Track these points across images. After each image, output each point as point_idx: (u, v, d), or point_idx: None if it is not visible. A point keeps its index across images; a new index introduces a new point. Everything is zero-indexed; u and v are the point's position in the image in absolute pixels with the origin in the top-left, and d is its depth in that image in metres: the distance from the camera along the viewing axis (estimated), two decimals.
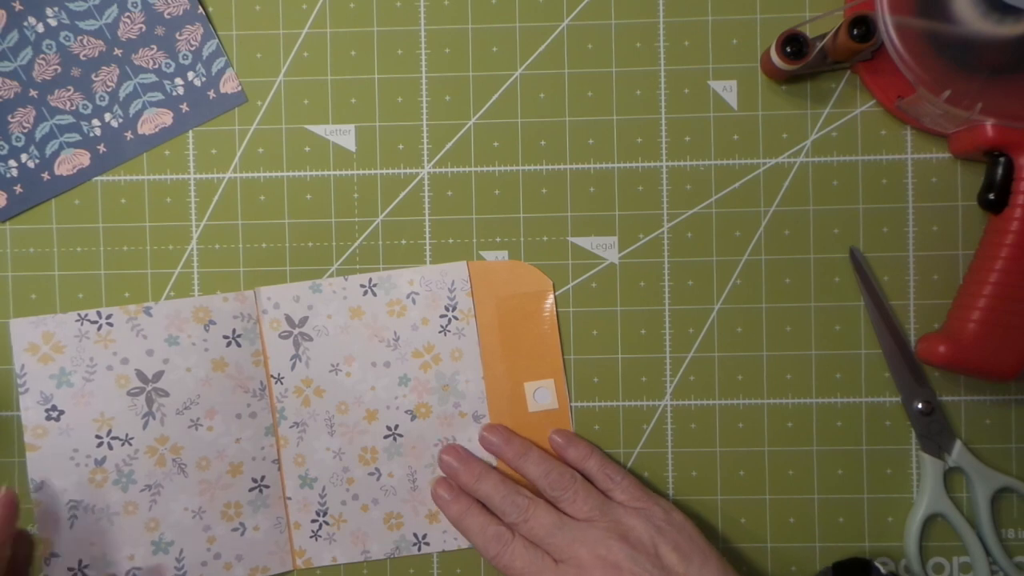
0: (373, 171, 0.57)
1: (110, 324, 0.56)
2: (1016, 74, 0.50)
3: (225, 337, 0.56)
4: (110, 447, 0.56)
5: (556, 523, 0.52)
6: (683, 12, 0.56)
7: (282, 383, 0.56)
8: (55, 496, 0.56)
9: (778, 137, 0.56)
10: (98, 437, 0.56)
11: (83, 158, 0.57)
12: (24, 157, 0.56)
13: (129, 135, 0.57)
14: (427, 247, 0.57)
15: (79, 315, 0.56)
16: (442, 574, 0.57)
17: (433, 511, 0.57)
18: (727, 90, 0.56)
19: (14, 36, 0.56)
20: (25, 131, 0.56)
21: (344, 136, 0.57)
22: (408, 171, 0.57)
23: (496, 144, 0.57)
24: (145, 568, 0.56)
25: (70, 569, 0.56)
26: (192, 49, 0.56)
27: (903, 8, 0.51)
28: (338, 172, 0.57)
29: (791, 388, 0.56)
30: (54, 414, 0.56)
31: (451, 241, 0.57)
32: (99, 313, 0.56)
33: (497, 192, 0.57)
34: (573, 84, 0.57)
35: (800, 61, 0.52)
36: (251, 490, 0.57)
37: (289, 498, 0.57)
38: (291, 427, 0.57)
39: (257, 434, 0.57)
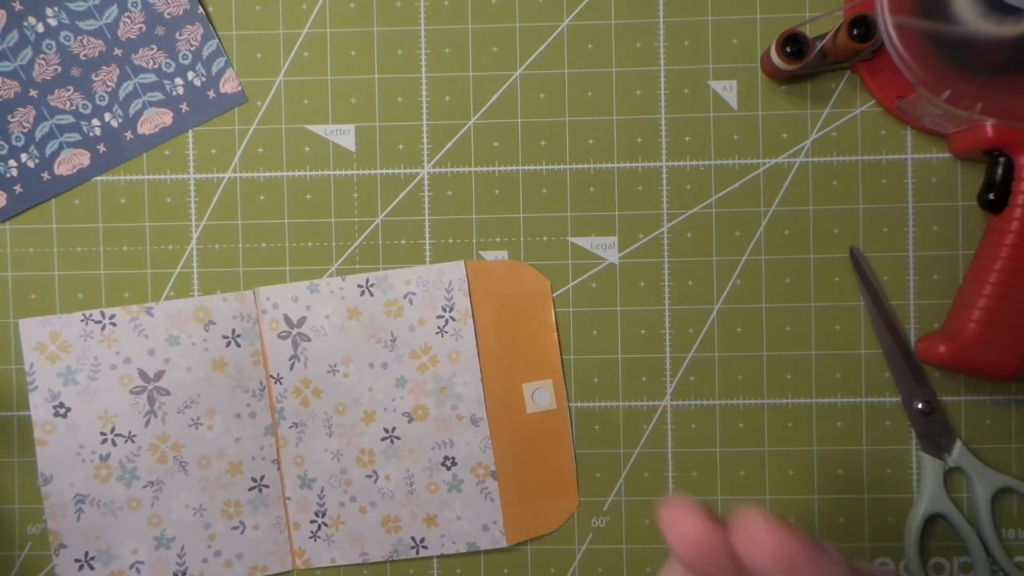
0: (373, 171, 0.57)
1: (113, 324, 0.56)
2: (1016, 74, 0.50)
3: (225, 337, 0.56)
4: (114, 444, 0.56)
5: None
6: (683, 12, 0.56)
7: (281, 383, 0.57)
8: (63, 490, 0.56)
9: (778, 137, 0.56)
10: (102, 434, 0.56)
11: (83, 158, 0.57)
12: (24, 157, 0.57)
13: (129, 135, 0.57)
14: (427, 247, 0.57)
15: (84, 315, 0.56)
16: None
17: (431, 515, 0.57)
18: (727, 90, 0.56)
19: (14, 36, 0.56)
20: (25, 131, 0.56)
21: (344, 136, 0.57)
22: (408, 171, 0.57)
23: (496, 144, 0.57)
24: (148, 563, 0.57)
25: (76, 560, 0.57)
26: (192, 49, 0.56)
27: (903, 8, 0.50)
28: (338, 172, 0.57)
29: (791, 388, 0.56)
30: (62, 411, 0.56)
31: (451, 241, 0.57)
32: (103, 313, 0.56)
33: (497, 192, 0.57)
34: (573, 84, 0.57)
35: (800, 61, 0.52)
36: (251, 489, 0.57)
37: (288, 498, 0.57)
38: (290, 427, 0.57)
39: (256, 434, 0.57)
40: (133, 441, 0.56)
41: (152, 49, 0.57)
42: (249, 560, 0.57)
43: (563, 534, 0.57)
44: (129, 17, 0.56)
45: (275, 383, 0.57)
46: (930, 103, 0.51)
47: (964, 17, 0.50)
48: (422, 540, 0.57)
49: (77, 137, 0.57)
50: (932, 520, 0.56)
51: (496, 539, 0.57)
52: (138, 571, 0.57)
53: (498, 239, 0.57)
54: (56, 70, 0.56)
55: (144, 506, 0.57)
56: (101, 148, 0.57)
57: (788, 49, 0.52)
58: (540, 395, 0.57)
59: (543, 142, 0.57)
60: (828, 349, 0.56)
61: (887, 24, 0.51)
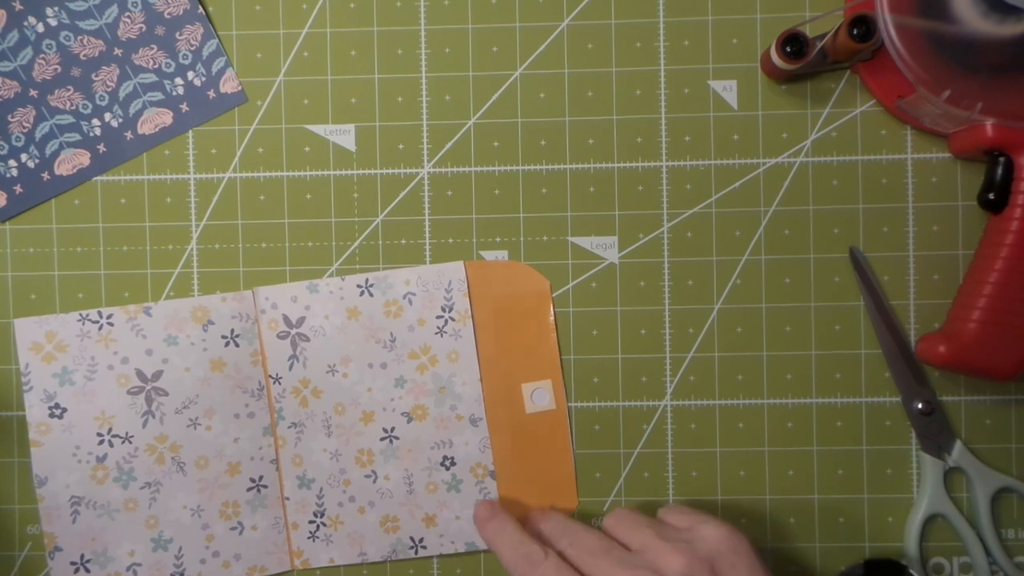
0: (373, 171, 0.57)
1: (111, 324, 0.56)
2: (1016, 74, 0.50)
3: (224, 337, 0.56)
4: (111, 445, 0.56)
5: (603, 547, 0.49)
6: (683, 12, 0.56)
7: (280, 383, 0.57)
8: (58, 492, 0.56)
9: (778, 137, 0.56)
10: (99, 435, 0.56)
11: (83, 158, 0.57)
12: (24, 157, 0.57)
13: (129, 135, 0.57)
14: (427, 247, 0.57)
15: (81, 315, 0.56)
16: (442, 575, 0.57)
17: (430, 515, 0.57)
18: (727, 90, 0.56)
19: (14, 36, 0.56)
20: (25, 131, 0.56)
21: (344, 136, 0.57)
22: (408, 171, 0.57)
23: (496, 144, 0.57)
24: (145, 564, 0.57)
25: (72, 563, 0.56)
26: (192, 49, 0.56)
27: (903, 8, 0.51)
28: (338, 172, 0.57)
29: (791, 388, 0.56)
30: (57, 412, 0.56)
31: (451, 241, 0.57)
32: (100, 313, 0.56)
33: (497, 192, 0.57)
34: (573, 84, 0.57)
35: (800, 61, 0.52)
36: (249, 490, 0.57)
37: (287, 498, 0.57)
38: (289, 427, 0.57)
39: (255, 434, 0.57)
40: (130, 442, 0.56)
41: (152, 49, 0.56)
42: (247, 561, 0.57)
43: None
44: (129, 17, 0.56)
45: (274, 383, 0.57)
46: (930, 103, 0.51)
47: (964, 17, 0.50)
48: (421, 540, 0.57)
49: (77, 137, 0.57)
50: (932, 520, 0.56)
51: None
52: (135, 573, 0.57)
53: (498, 239, 0.57)
54: (56, 70, 0.56)
55: (141, 507, 0.56)
56: (101, 148, 0.57)
57: (788, 49, 0.52)
58: (539, 395, 0.56)
59: (543, 142, 0.57)
60: (828, 349, 0.56)
61: (887, 24, 0.51)
